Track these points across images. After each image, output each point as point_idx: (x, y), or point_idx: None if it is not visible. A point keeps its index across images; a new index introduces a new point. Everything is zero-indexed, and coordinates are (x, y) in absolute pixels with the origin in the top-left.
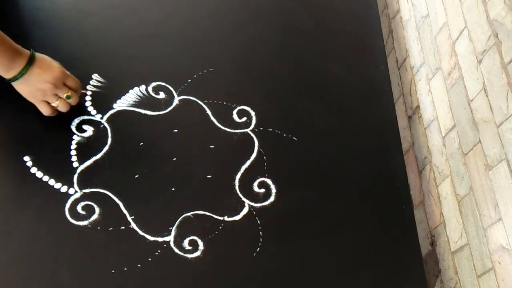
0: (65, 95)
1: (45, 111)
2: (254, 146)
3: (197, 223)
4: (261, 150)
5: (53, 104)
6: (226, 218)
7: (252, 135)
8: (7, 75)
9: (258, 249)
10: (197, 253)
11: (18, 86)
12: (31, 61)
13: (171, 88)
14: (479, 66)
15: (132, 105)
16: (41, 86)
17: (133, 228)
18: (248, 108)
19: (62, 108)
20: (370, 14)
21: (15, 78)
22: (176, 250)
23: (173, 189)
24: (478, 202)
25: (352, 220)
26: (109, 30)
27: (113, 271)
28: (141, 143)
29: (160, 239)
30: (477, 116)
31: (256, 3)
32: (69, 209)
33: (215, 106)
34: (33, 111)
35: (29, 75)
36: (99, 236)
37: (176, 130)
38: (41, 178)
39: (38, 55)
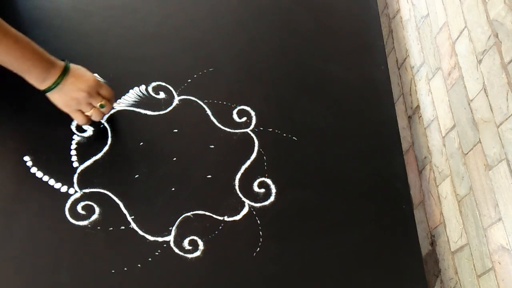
0: (99, 104)
1: (80, 120)
2: (254, 146)
3: (197, 223)
4: (261, 150)
5: (87, 113)
6: (226, 218)
7: (252, 135)
8: (42, 86)
9: (258, 249)
10: (197, 253)
11: (52, 96)
12: (65, 71)
13: (171, 88)
14: (479, 66)
15: (132, 105)
16: (75, 95)
17: (133, 228)
18: (248, 108)
19: (96, 117)
20: (370, 14)
21: (50, 89)
22: (176, 250)
23: (173, 189)
24: (478, 202)
25: (352, 220)
26: (109, 30)
27: (113, 271)
28: (141, 143)
29: (160, 239)
30: (477, 116)
31: (256, 3)
32: (69, 209)
33: (215, 106)
34: (33, 111)
35: (63, 85)
36: (99, 236)
37: (176, 130)
38: (41, 178)
39: (72, 65)
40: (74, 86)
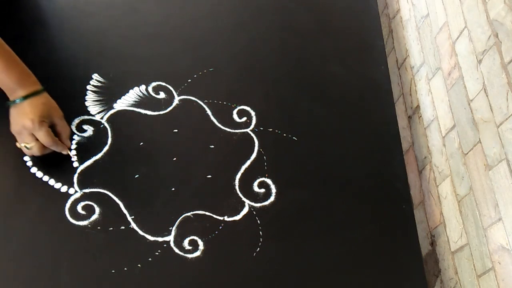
0: (24, 144)
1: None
2: (254, 146)
3: (197, 223)
4: (261, 150)
5: (16, 144)
6: (226, 218)
7: (252, 135)
8: (10, 98)
9: (258, 249)
10: (197, 253)
11: (11, 111)
12: (29, 95)
13: (171, 88)
14: (479, 66)
15: (132, 105)
16: (14, 124)
17: (133, 228)
18: (248, 108)
19: (25, 151)
20: (370, 14)
21: (8, 104)
22: (176, 250)
23: (173, 189)
24: (478, 202)
25: (352, 220)
26: (109, 30)
27: (113, 271)
28: (141, 143)
29: (160, 239)
30: (477, 116)
31: (256, 3)
32: (69, 209)
33: (215, 106)
34: None
35: (14, 107)
36: (99, 236)
37: (176, 130)
38: (41, 178)
39: (40, 96)
40: (17, 116)
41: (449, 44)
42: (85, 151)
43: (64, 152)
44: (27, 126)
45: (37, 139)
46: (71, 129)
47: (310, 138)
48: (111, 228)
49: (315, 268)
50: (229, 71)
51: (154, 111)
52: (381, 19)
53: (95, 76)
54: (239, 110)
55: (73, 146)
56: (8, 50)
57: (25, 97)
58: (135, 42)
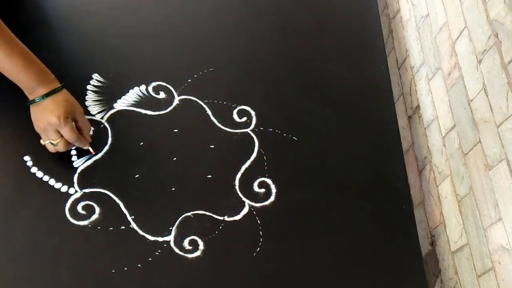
0: (49, 141)
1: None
2: (254, 146)
3: (197, 223)
4: (261, 150)
5: (41, 141)
6: (226, 218)
7: (252, 135)
8: (29, 97)
9: (258, 249)
10: (197, 253)
11: (31, 110)
12: (50, 93)
13: (171, 88)
14: (479, 66)
15: (132, 105)
16: (38, 122)
17: (133, 228)
18: (248, 108)
19: (49, 147)
20: (370, 14)
21: (29, 103)
22: (176, 250)
23: (173, 189)
24: (478, 202)
25: (352, 220)
26: (109, 30)
27: (113, 271)
28: (141, 143)
29: (160, 239)
30: (477, 116)
31: (256, 3)
32: (69, 209)
33: (215, 106)
34: None
35: (36, 105)
36: (99, 236)
37: (176, 130)
38: (41, 178)
39: (61, 93)
40: (40, 113)
41: (449, 44)
42: (85, 151)
43: (86, 147)
44: (53, 123)
45: (61, 136)
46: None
47: (310, 138)
48: (111, 228)
49: (315, 268)
50: (229, 71)
51: (154, 111)
52: (381, 19)
53: (95, 76)
54: (239, 110)
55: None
56: (25, 49)
57: (47, 95)
58: (135, 42)
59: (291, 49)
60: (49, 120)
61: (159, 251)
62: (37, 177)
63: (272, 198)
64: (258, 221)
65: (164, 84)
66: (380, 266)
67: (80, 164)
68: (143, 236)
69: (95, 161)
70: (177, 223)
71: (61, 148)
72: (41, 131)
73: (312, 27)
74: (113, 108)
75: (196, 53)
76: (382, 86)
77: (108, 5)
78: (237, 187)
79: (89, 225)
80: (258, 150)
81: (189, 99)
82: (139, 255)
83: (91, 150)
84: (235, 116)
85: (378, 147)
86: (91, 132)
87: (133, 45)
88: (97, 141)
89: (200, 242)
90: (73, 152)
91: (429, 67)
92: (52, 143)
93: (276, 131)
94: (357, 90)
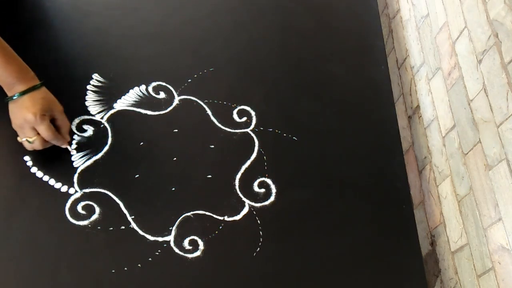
0: (25, 138)
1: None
2: (254, 146)
3: (197, 223)
4: (261, 150)
5: (17, 138)
6: (226, 218)
7: (252, 135)
8: (8, 94)
9: (258, 249)
10: (197, 253)
11: (10, 107)
12: (28, 90)
13: (171, 88)
14: (479, 66)
15: (132, 105)
16: (15, 119)
17: (133, 228)
18: (248, 108)
19: (26, 145)
20: (370, 14)
21: (7, 99)
22: (176, 250)
23: (173, 189)
24: (478, 202)
25: (352, 220)
26: (109, 30)
27: (113, 271)
28: (141, 143)
29: (160, 239)
30: (477, 116)
31: (256, 3)
32: (69, 209)
33: (215, 106)
34: None
35: (14, 102)
36: (99, 236)
37: (176, 130)
38: (41, 178)
39: (39, 91)
40: (22, 108)
41: (449, 44)
42: (85, 151)
43: (64, 146)
44: (29, 120)
45: (38, 133)
46: (71, 129)
47: (310, 138)
48: (111, 228)
49: (315, 268)
50: (229, 71)
51: (154, 111)
52: (381, 19)
53: (95, 76)
54: (239, 110)
55: (73, 146)
56: (6, 46)
57: (24, 92)
58: (135, 42)
59: (291, 49)
60: (25, 117)
61: (159, 251)
62: (37, 177)
63: (272, 198)
64: (258, 221)
65: (164, 84)
66: (380, 266)
67: (80, 164)
68: (143, 236)
69: (95, 161)
70: (177, 223)
71: (37, 146)
72: (17, 128)
73: (312, 27)
74: (113, 108)
75: (196, 53)
76: (382, 86)
77: (108, 5)
78: (237, 187)
79: (89, 225)
80: (258, 150)
81: (189, 99)
82: (139, 255)
83: (69, 149)
84: (235, 116)
85: (378, 147)
86: (90, 132)
87: (133, 45)
88: (97, 141)
89: (200, 242)
90: (73, 146)
91: (429, 67)
92: (28, 141)
93: (276, 131)
94: (357, 90)
